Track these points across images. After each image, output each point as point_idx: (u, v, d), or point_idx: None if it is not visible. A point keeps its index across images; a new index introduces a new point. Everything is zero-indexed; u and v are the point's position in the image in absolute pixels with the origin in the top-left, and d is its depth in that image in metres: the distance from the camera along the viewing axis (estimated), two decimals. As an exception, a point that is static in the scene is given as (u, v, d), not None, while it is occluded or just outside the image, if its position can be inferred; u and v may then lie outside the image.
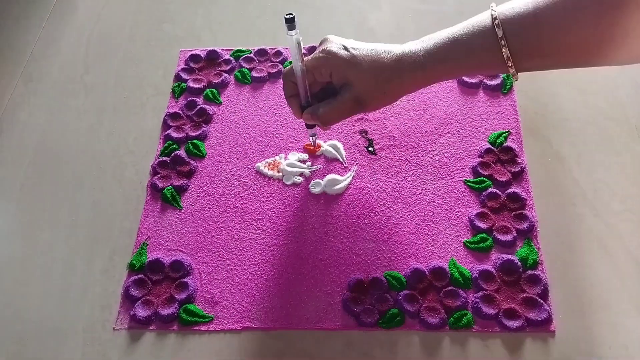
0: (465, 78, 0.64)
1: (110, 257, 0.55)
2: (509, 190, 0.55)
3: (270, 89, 0.67)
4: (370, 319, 0.49)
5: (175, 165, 0.61)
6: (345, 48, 0.46)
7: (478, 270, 0.51)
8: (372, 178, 0.58)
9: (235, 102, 0.66)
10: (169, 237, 0.56)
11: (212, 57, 0.70)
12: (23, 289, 0.54)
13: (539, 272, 0.50)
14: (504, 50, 0.41)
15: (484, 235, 0.53)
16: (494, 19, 0.42)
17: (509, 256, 0.51)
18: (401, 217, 0.55)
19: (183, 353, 0.49)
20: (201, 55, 0.71)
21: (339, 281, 0.52)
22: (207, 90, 0.67)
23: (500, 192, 0.55)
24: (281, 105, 0.65)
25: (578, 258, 0.52)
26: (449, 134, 0.61)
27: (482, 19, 0.43)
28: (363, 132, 0.62)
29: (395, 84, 0.45)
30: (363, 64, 0.45)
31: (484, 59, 0.43)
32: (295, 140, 0.62)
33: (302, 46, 0.47)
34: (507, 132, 0.60)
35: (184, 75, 0.69)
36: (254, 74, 0.68)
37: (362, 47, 0.46)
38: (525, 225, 0.53)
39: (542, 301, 0.48)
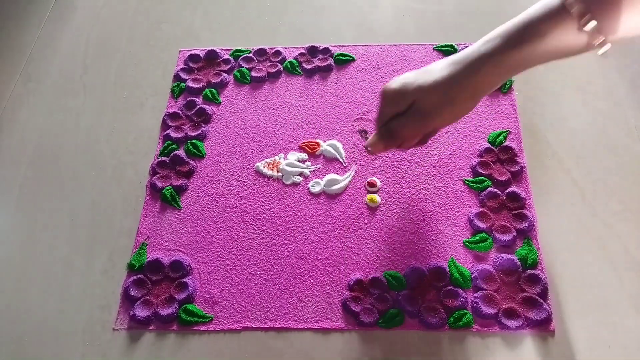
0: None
1: (110, 257, 0.55)
2: (509, 189, 0.55)
3: (270, 89, 0.67)
4: (369, 318, 0.49)
5: (175, 165, 0.61)
6: (407, 79, 0.45)
7: (477, 269, 0.51)
8: (372, 177, 0.58)
9: (234, 101, 0.66)
10: (169, 237, 0.56)
11: (211, 57, 0.70)
12: (23, 289, 0.54)
13: (539, 272, 0.50)
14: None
15: (484, 234, 0.53)
16: None
17: (509, 256, 0.51)
18: (401, 216, 0.55)
19: (183, 353, 0.49)
20: (200, 55, 0.71)
21: (338, 281, 0.52)
22: (207, 90, 0.67)
23: (499, 192, 0.55)
24: (280, 105, 0.65)
25: (577, 258, 0.52)
26: (448, 133, 0.61)
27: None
28: (362, 132, 0.62)
29: (457, 88, 0.42)
30: (423, 81, 0.43)
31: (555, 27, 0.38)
32: (295, 139, 0.62)
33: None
34: (506, 131, 0.60)
35: (183, 75, 0.69)
36: (253, 73, 0.68)
37: (419, 73, 0.44)
38: (524, 224, 0.53)
39: (541, 301, 0.48)
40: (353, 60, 0.68)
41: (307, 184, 0.58)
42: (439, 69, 0.43)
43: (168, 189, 0.58)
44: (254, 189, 0.58)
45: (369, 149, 0.49)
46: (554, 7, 0.38)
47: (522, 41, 0.39)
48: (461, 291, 0.50)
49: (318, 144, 0.61)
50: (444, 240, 0.53)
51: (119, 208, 0.58)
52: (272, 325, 0.50)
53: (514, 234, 0.52)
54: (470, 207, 0.55)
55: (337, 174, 0.59)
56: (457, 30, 0.70)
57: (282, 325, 0.49)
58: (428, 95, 0.43)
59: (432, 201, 0.56)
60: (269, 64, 0.69)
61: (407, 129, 0.45)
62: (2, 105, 0.69)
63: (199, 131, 0.63)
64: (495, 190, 0.55)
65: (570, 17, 0.37)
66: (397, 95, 0.45)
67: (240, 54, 0.70)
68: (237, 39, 0.73)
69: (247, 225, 0.56)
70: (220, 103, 0.66)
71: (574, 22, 0.37)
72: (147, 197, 0.59)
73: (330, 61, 0.68)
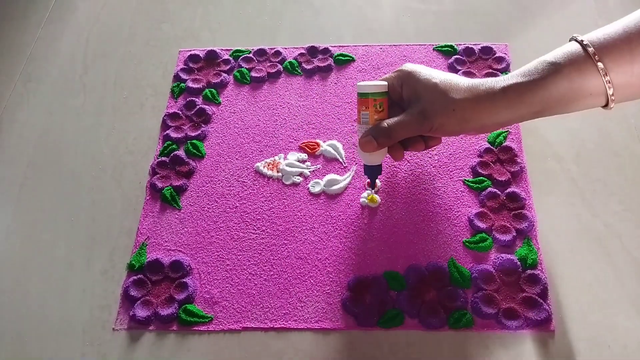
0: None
1: (110, 258, 0.55)
2: (509, 189, 0.55)
3: (270, 89, 0.67)
4: (369, 318, 0.49)
5: (175, 165, 0.61)
6: (425, 70, 0.46)
7: (477, 269, 0.51)
8: (372, 178, 0.58)
9: (234, 102, 0.66)
10: (169, 237, 0.56)
11: (211, 57, 0.70)
12: (23, 289, 0.54)
13: (539, 272, 0.50)
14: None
15: (484, 234, 0.53)
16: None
17: (509, 256, 0.51)
18: (400, 216, 0.55)
19: (182, 353, 0.49)
20: (200, 55, 0.71)
21: (338, 281, 0.52)
22: (207, 90, 0.67)
23: (499, 192, 0.55)
24: (280, 105, 0.65)
25: (577, 258, 0.52)
26: (448, 134, 0.61)
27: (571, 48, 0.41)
28: (362, 132, 0.62)
29: (468, 103, 0.42)
30: (436, 80, 0.44)
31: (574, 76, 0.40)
32: (295, 140, 0.62)
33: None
34: (506, 131, 0.60)
35: (183, 75, 0.69)
36: (253, 74, 0.68)
37: (439, 73, 0.45)
38: (524, 224, 0.53)
39: (541, 301, 0.48)
40: (353, 60, 0.68)
41: (307, 184, 0.58)
42: (463, 88, 0.43)
43: (168, 189, 0.58)
44: (254, 189, 0.58)
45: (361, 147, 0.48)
46: (575, 50, 0.40)
47: (542, 77, 0.40)
48: (461, 291, 0.50)
49: (318, 144, 0.61)
50: (444, 240, 0.53)
51: (118, 208, 0.58)
52: (272, 325, 0.50)
53: (514, 234, 0.52)
54: (470, 207, 0.55)
55: (337, 174, 0.59)
56: (457, 30, 0.70)
57: (282, 325, 0.49)
58: (437, 100, 0.43)
59: (432, 201, 0.56)
60: (269, 64, 0.69)
61: (402, 130, 0.46)
62: (2, 106, 0.69)
63: (199, 131, 0.63)
64: (495, 190, 0.55)
65: (591, 61, 0.39)
66: (415, 77, 0.45)
67: (240, 54, 0.70)
68: (237, 39, 0.73)
69: (247, 225, 0.56)
70: (220, 103, 0.66)
71: (593, 66, 0.39)
72: (147, 197, 0.59)
73: (330, 61, 0.68)
